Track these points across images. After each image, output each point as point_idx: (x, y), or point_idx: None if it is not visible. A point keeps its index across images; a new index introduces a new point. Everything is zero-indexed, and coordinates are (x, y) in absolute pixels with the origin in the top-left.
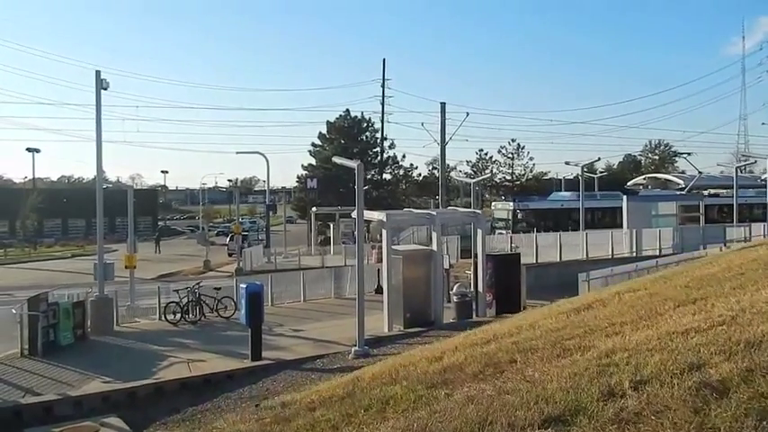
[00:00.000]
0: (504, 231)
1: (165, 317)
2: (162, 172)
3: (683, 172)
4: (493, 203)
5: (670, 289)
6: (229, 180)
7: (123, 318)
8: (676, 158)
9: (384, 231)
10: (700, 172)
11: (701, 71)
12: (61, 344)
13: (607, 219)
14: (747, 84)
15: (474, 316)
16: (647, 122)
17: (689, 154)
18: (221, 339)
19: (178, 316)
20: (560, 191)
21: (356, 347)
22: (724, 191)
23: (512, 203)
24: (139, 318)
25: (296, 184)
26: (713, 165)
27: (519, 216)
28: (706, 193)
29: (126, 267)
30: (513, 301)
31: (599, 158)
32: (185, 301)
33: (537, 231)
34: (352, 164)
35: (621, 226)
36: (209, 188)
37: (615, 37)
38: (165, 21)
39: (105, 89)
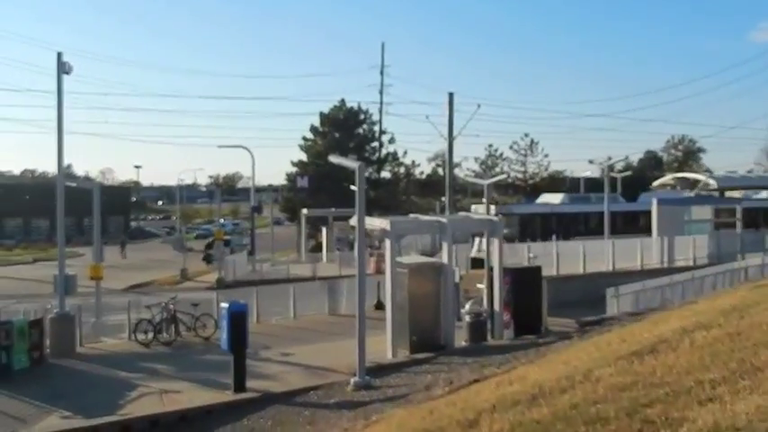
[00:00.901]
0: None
1: (136, 336)
2: (135, 167)
3: (707, 170)
4: (473, 206)
5: (754, 328)
6: (210, 176)
7: (88, 336)
8: (701, 155)
9: (387, 241)
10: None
11: (728, 58)
12: (14, 369)
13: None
14: None
15: (489, 338)
16: (671, 116)
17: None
18: (199, 365)
19: (150, 335)
20: (578, 191)
21: (356, 378)
22: (738, 193)
23: (493, 207)
24: (106, 337)
25: (284, 182)
26: (746, 162)
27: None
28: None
29: (91, 278)
30: (534, 321)
31: (627, 156)
32: (158, 318)
33: (522, 240)
34: (353, 164)
35: (621, 233)
36: (188, 185)
37: (637, 20)
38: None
39: (68, 74)
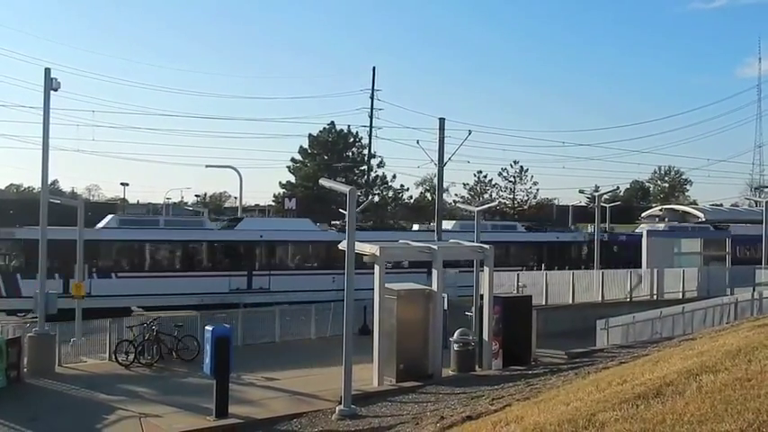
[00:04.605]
0: None
1: (116, 357)
2: (122, 184)
3: (694, 201)
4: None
5: (766, 375)
6: (197, 195)
7: (67, 356)
8: (687, 186)
9: (377, 267)
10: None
11: (716, 92)
12: None
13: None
14: (764, 110)
15: (477, 368)
16: (659, 148)
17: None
18: (181, 388)
19: (131, 356)
20: (567, 219)
21: (341, 406)
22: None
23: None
24: (86, 357)
25: (272, 203)
26: (732, 196)
27: None
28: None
29: (73, 297)
30: (523, 352)
31: (617, 187)
32: (140, 339)
33: (26, 275)
34: (344, 188)
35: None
36: (174, 203)
37: (628, 52)
38: (125, 14)
39: (56, 90)
